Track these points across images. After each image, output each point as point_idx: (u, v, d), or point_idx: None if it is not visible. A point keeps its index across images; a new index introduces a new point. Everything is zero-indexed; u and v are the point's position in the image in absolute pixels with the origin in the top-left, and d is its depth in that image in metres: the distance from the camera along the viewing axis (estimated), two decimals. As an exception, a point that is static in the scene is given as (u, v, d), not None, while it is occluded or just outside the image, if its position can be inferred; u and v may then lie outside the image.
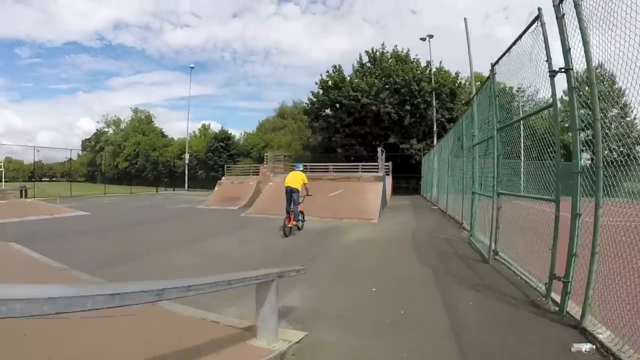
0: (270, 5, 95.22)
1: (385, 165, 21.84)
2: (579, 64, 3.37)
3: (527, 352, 2.78)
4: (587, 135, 3.37)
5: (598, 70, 3.62)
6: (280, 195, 13.80)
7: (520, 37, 4.38)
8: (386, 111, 26.76)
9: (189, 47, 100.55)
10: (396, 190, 25.41)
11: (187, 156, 39.51)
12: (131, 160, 56.84)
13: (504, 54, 4.91)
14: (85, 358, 2.51)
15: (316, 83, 30.01)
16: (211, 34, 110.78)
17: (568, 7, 3.41)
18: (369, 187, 13.27)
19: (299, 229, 9.06)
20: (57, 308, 1.27)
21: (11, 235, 7.96)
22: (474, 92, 10.69)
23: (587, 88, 3.33)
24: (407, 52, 29.14)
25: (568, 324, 3.29)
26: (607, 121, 3.32)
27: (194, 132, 53.63)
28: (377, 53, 29.67)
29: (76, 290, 1.44)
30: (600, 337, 2.96)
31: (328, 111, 30.34)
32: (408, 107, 26.99)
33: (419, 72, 28.15)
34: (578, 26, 3.25)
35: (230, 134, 47.90)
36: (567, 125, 4.02)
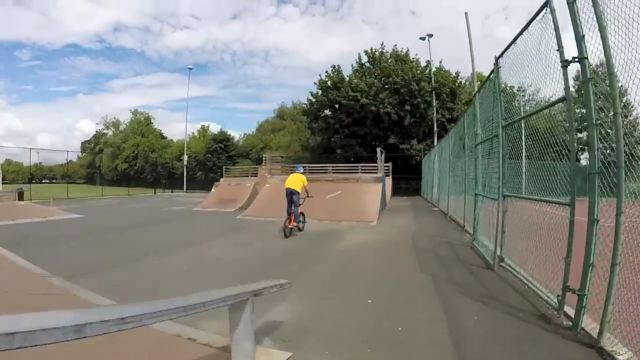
0: (270, 7, 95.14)
1: (385, 166, 21.50)
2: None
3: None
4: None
5: (600, 69, 3.33)
6: (277, 197, 13.53)
7: (527, 25, 4.04)
8: (386, 111, 26.41)
9: (189, 49, 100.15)
10: (396, 191, 25.07)
11: (185, 158, 39.19)
12: (130, 162, 56.58)
13: (509, 46, 4.57)
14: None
15: (315, 83, 29.74)
16: (211, 36, 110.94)
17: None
18: (368, 189, 12.92)
19: (299, 230, 9.04)
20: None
21: (0, 238, 7.75)
22: (475, 88, 10.35)
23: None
24: (406, 52, 28.86)
25: (583, 342, 2.95)
26: (608, 121, 3.19)
27: (192, 133, 53.42)
28: (377, 53, 29.36)
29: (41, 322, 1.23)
30: (620, 358, 2.64)
31: (327, 112, 30.01)
32: (408, 107, 26.64)
33: (418, 71, 27.81)
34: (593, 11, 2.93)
35: (229, 135, 47.61)
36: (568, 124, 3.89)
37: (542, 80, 3.52)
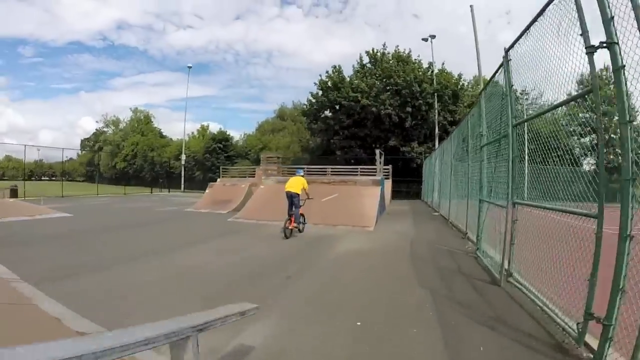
0: (273, 8, 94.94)
1: (385, 169, 21.00)
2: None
3: None
4: (592, 140, 3.21)
5: (605, 73, 2.88)
6: (272, 200, 13.05)
7: (543, 10, 3.53)
8: (387, 113, 25.90)
9: (192, 49, 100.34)
10: (396, 194, 24.55)
11: (183, 157, 38.71)
12: (129, 160, 56.18)
13: (521, 35, 4.06)
14: None
15: (315, 84, 29.24)
16: (214, 36, 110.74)
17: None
18: (366, 192, 12.40)
19: (299, 231, 9.19)
20: None
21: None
22: (482, 85, 9.80)
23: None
24: (408, 53, 28.37)
25: (608, 382, 2.43)
26: (612, 125, 3.04)
27: (192, 132, 52.99)
28: (378, 53, 28.89)
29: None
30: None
31: (327, 113, 29.54)
32: (409, 109, 26.14)
33: (420, 73, 27.30)
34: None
35: (229, 135, 47.13)
36: (571, 128, 3.66)
37: (569, 66, 2.99)
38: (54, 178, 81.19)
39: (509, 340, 3.08)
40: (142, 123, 60.39)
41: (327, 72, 29.07)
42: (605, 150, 3.79)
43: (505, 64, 4.64)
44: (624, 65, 2.60)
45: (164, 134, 60.27)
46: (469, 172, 7.90)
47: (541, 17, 3.65)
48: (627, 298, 2.57)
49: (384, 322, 3.46)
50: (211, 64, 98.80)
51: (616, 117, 2.74)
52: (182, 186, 37.91)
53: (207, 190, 18.31)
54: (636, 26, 2.48)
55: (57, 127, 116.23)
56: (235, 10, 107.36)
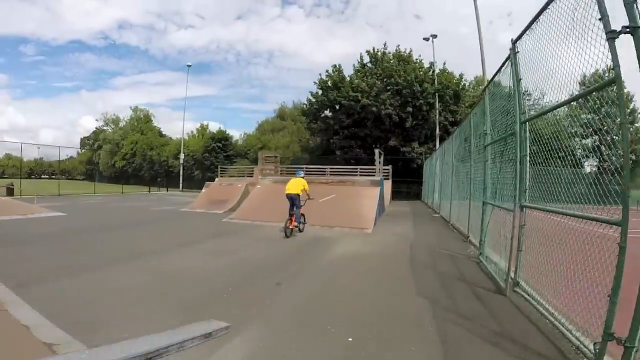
0: (275, 8, 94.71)
1: (385, 169, 20.67)
2: None
3: None
4: (594, 141, 3.21)
5: (607, 75, 2.75)
6: (268, 200, 12.73)
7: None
8: (387, 113, 25.56)
9: (193, 48, 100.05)
10: (396, 195, 24.23)
11: (182, 156, 38.39)
12: (128, 159, 55.91)
13: (531, 23, 3.73)
14: None
15: (315, 83, 28.89)
16: (215, 36, 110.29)
17: None
18: (365, 193, 12.06)
19: (300, 230, 9.26)
20: None
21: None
22: (485, 81, 9.44)
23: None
24: (409, 53, 27.99)
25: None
26: (614, 127, 2.92)
27: (191, 131, 52.70)
28: (379, 53, 28.53)
29: None
30: None
31: (327, 112, 29.20)
32: (410, 109, 25.78)
33: (421, 72, 26.93)
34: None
35: (228, 134, 46.87)
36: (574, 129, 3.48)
37: (587, 54, 2.66)
38: (53, 176, 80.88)
39: (517, 360, 2.76)
40: (141, 122, 60.10)
41: (327, 71, 28.77)
42: (608, 153, 3.46)
43: (513, 56, 4.32)
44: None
45: (163, 133, 60.08)
46: (471, 172, 7.57)
47: (553, 2, 3.32)
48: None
49: (379, 338, 3.13)
50: (212, 63, 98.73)
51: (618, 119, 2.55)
52: (181, 185, 37.61)
53: (203, 190, 17.99)
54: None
55: (58, 125, 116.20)
56: (237, 10, 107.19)
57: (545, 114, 3.45)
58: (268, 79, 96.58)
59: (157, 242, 7.99)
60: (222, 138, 45.25)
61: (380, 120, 26.17)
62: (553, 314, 3.36)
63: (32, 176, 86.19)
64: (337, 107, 27.96)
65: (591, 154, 3.34)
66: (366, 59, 28.91)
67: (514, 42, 4.32)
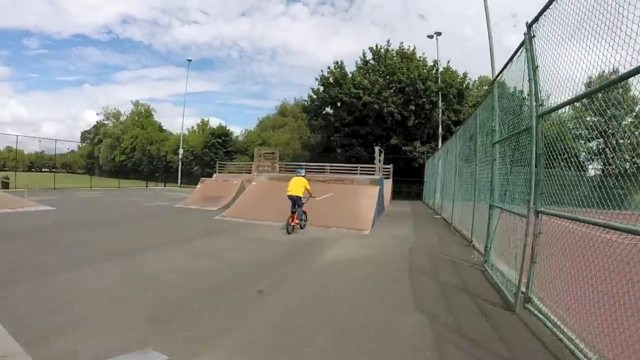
0: (279, 5, 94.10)
1: (386, 168, 20.16)
2: None
3: None
4: (599, 144, 3.55)
5: (613, 76, 2.59)
6: (263, 197, 12.26)
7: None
8: (389, 111, 25.00)
9: (197, 44, 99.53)
10: (397, 194, 23.74)
11: (181, 151, 37.91)
12: (128, 153, 55.49)
13: (550, 3, 3.22)
14: None
15: (316, 79, 28.31)
16: (219, 32, 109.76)
17: None
18: (363, 192, 11.56)
19: (301, 227, 9.29)
20: None
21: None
22: (494, 73, 8.87)
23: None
24: (413, 50, 27.37)
25: None
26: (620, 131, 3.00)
27: (192, 127, 52.28)
28: (382, 50, 27.93)
29: None
30: None
31: (328, 109, 28.66)
32: (412, 107, 25.20)
33: (425, 70, 26.34)
34: None
35: (228, 130, 46.31)
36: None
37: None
38: (54, 170, 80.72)
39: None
40: (142, 116, 59.69)
41: (328, 67, 28.20)
42: (612, 155, 3.04)
43: (528, 41, 3.81)
44: None
45: (165, 128, 59.69)
46: (476, 172, 7.06)
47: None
48: None
49: (368, 365, 2.65)
50: (216, 59, 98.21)
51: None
52: (179, 181, 37.17)
53: (198, 186, 17.54)
54: None
55: (61, 119, 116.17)
56: (241, 6, 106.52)
57: (572, 104, 2.92)
58: (271, 76, 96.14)
59: (141, 240, 7.53)
60: (222, 134, 44.74)
61: (382, 118, 25.62)
62: (571, 339, 2.86)
63: (33, 169, 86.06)
64: (339, 104, 27.41)
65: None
66: (369, 56, 28.34)
67: (530, 26, 3.81)
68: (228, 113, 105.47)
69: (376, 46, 28.19)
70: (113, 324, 3.27)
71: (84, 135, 75.66)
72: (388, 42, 28.14)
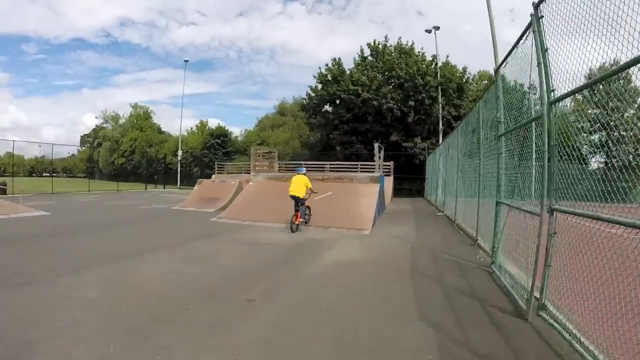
0: (276, 5, 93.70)
1: (386, 165, 19.82)
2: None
3: None
4: (601, 137, 3.38)
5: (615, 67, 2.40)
6: (260, 198, 11.95)
7: None
8: (388, 107, 24.63)
9: (195, 45, 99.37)
10: (398, 192, 23.41)
11: (180, 153, 37.63)
12: (127, 156, 55.25)
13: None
14: None
15: (314, 77, 27.94)
16: (217, 33, 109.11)
17: None
18: (363, 190, 11.24)
19: (305, 223, 9.41)
20: None
21: None
22: (497, 61, 8.48)
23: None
24: (411, 45, 26.96)
25: None
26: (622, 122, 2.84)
27: (191, 128, 52.03)
28: (380, 46, 27.52)
29: None
30: None
31: (327, 107, 28.30)
32: (412, 103, 24.82)
33: (424, 65, 25.92)
34: None
35: (227, 130, 46.06)
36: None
37: None
38: (54, 174, 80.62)
39: None
40: (141, 119, 59.42)
41: (326, 65, 27.79)
42: (615, 148, 2.86)
43: (535, 22, 3.47)
44: None
45: (164, 130, 59.41)
46: (480, 168, 6.72)
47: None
48: None
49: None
50: (214, 60, 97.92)
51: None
52: (178, 182, 36.89)
53: (195, 187, 17.22)
54: None
55: (60, 123, 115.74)
56: (238, 7, 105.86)
57: (589, 87, 2.59)
58: (270, 76, 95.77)
59: (132, 244, 7.23)
60: (221, 134, 44.48)
61: (381, 115, 25.26)
62: (595, 355, 2.53)
63: (34, 174, 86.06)
64: (337, 101, 27.05)
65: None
66: (367, 52, 27.95)
67: (537, 5, 3.48)
68: (227, 114, 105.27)
69: (374, 42, 27.81)
70: (90, 339, 3.01)
71: (84, 139, 75.39)
72: (386, 37, 27.77)
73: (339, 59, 27.49)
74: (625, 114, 3.34)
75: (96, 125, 68.75)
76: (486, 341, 3.00)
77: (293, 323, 3.43)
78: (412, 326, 3.33)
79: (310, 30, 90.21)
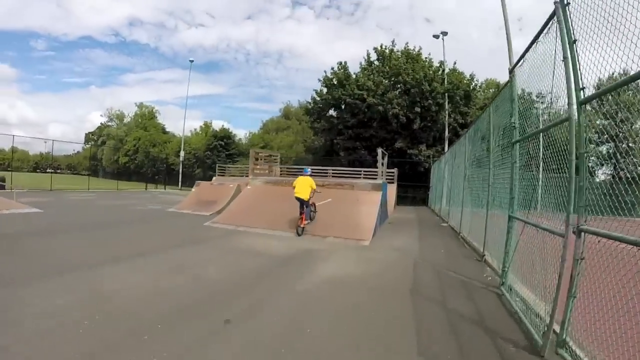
0: (285, 8, 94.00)
1: (390, 172, 19.32)
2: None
3: None
4: (609, 149, 3.37)
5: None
6: (258, 203, 11.48)
7: None
8: (394, 113, 24.12)
9: (203, 47, 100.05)
10: (401, 199, 22.87)
11: (182, 154, 37.29)
12: (131, 155, 55.18)
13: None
14: None
15: (319, 80, 27.52)
16: (225, 35, 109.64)
17: None
18: (364, 198, 10.73)
19: (311, 219, 9.46)
20: None
21: None
22: (511, 61, 7.93)
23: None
24: (419, 51, 26.50)
25: None
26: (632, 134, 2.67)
27: (194, 129, 51.85)
28: (386, 50, 27.09)
29: None
30: None
31: (332, 112, 27.86)
32: (418, 109, 24.30)
33: (431, 71, 25.42)
34: None
35: (231, 132, 45.80)
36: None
37: None
38: (59, 171, 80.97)
39: None
40: (146, 118, 59.40)
41: (332, 68, 27.36)
42: (623, 160, 2.60)
43: (561, 9, 2.99)
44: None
45: (169, 130, 59.39)
46: (490, 177, 6.20)
47: None
48: None
49: None
50: (222, 62, 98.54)
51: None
52: (180, 183, 36.55)
53: (193, 189, 16.81)
54: None
55: (67, 121, 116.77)
56: (247, 9, 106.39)
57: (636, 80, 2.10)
58: (277, 79, 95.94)
59: (113, 248, 6.77)
60: (224, 136, 44.20)
61: (386, 121, 24.77)
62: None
63: (38, 170, 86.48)
64: (342, 106, 26.59)
65: None
66: (373, 57, 27.53)
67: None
68: (233, 116, 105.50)
69: (381, 46, 27.39)
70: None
71: (88, 137, 75.63)
72: (393, 42, 27.33)
73: (345, 62, 27.08)
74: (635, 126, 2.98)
75: (101, 124, 68.94)
76: (498, 387, 2.49)
77: (269, 354, 2.94)
78: (409, 363, 2.83)
79: (318, 35, 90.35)
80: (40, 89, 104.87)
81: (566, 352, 2.83)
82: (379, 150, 13.59)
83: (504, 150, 5.20)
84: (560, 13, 2.99)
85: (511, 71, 4.62)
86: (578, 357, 2.70)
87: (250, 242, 7.91)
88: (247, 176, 18.96)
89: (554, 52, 3.18)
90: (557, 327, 2.98)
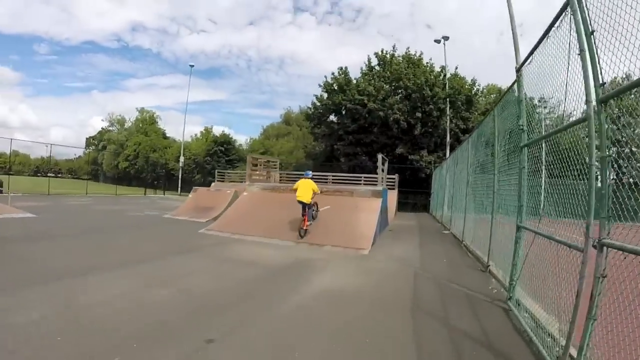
0: (287, 15, 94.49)
1: (391, 178, 19.03)
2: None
3: None
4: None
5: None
6: (255, 210, 11.17)
7: None
8: (395, 118, 23.87)
9: (205, 53, 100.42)
10: (402, 206, 22.55)
11: (182, 159, 37.08)
12: (131, 160, 55.07)
13: None
14: None
15: (320, 85, 27.34)
16: (227, 41, 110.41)
17: None
18: (364, 205, 10.40)
19: (313, 218, 9.54)
20: None
21: None
22: (518, 60, 7.61)
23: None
24: (420, 56, 26.33)
25: None
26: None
27: (195, 134, 51.80)
28: (387, 55, 26.93)
29: None
30: None
31: (332, 117, 27.64)
32: (419, 115, 24.06)
33: (432, 76, 25.22)
34: None
35: (231, 138, 45.69)
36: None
37: None
38: (60, 175, 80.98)
39: None
40: (146, 123, 59.38)
41: (332, 73, 27.19)
42: (626, 165, 2.46)
43: None
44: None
45: (170, 135, 59.38)
46: (495, 184, 5.90)
47: None
48: None
49: None
50: (223, 68, 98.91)
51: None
52: (179, 189, 36.30)
53: (190, 195, 16.53)
54: None
55: (69, 125, 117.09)
56: (249, 16, 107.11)
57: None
58: (278, 86, 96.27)
59: (101, 256, 6.48)
60: (224, 142, 44.11)
61: (387, 126, 24.51)
62: None
63: (38, 174, 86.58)
64: (343, 111, 26.37)
65: None
66: (374, 62, 27.36)
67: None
68: (234, 122, 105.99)
69: (382, 51, 27.21)
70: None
71: (89, 141, 75.63)
72: (394, 47, 27.18)
73: (346, 67, 26.88)
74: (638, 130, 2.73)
75: (102, 128, 68.98)
76: None
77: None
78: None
79: (319, 41, 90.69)
80: (42, 92, 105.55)
81: (587, 380, 2.51)
82: (380, 156, 13.29)
83: (510, 155, 4.90)
84: (574, 2, 2.72)
85: (518, 70, 4.34)
86: (600, 388, 2.39)
87: (244, 251, 7.60)
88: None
89: (567, 46, 2.90)
90: (573, 351, 2.67)
